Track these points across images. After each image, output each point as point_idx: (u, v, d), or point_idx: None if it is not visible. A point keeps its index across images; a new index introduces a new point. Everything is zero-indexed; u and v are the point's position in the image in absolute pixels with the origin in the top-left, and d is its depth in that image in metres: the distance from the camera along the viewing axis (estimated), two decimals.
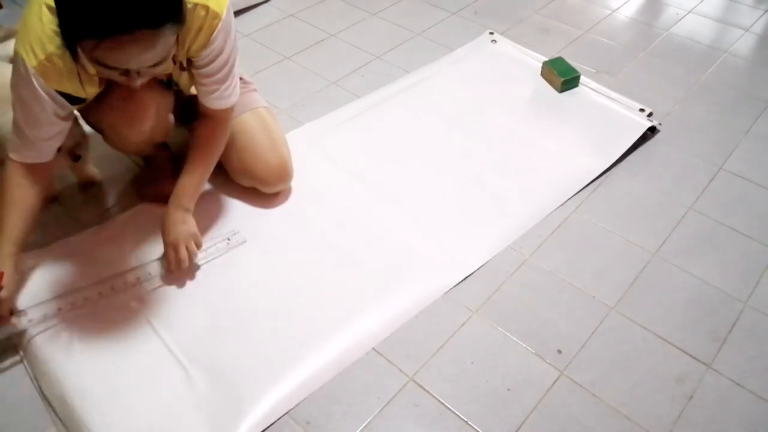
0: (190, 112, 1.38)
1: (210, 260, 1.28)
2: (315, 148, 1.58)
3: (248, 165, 1.38)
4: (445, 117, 1.70)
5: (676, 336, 1.21)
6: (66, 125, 1.13)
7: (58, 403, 1.07)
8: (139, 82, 1.02)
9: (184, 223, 1.23)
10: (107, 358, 1.13)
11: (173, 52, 1.03)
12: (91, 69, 1.04)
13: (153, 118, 1.24)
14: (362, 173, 1.52)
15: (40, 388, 1.10)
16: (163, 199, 1.40)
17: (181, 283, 1.26)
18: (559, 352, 1.18)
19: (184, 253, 1.21)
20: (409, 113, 1.71)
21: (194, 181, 1.25)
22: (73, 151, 1.29)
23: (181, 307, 1.22)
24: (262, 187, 1.40)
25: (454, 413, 1.08)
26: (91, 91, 1.11)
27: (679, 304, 1.27)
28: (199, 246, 1.25)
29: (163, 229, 1.23)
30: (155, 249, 1.31)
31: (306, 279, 1.28)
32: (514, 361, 1.16)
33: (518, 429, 1.06)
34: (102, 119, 1.22)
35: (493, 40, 1.99)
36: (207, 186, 1.46)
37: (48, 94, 1.05)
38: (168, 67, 1.02)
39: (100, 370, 1.11)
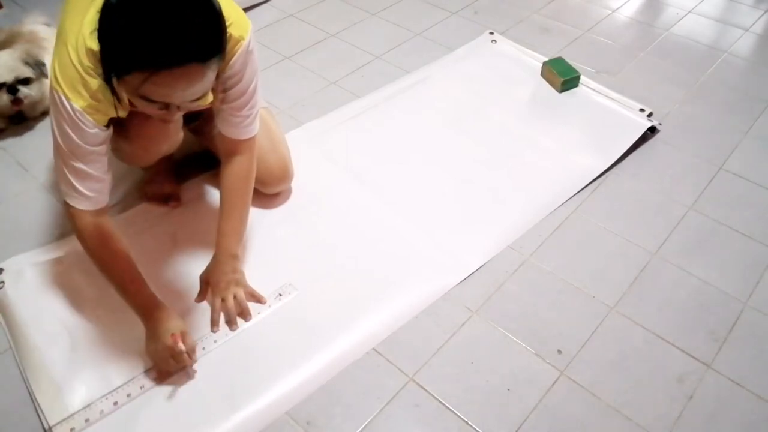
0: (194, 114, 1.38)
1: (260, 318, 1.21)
2: (315, 148, 1.58)
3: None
4: (445, 117, 1.70)
5: (676, 336, 1.21)
6: (105, 151, 1.08)
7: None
8: (177, 116, 0.99)
9: (235, 272, 1.19)
10: (106, 363, 1.13)
11: (213, 85, 0.99)
12: (126, 102, 1.00)
13: (168, 143, 1.24)
14: (362, 173, 1.52)
15: (32, 392, 1.10)
16: (164, 198, 1.41)
17: (180, 282, 1.25)
18: (559, 352, 1.18)
19: (231, 303, 1.16)
20: (409, 113, 1.71)
21: (236, 224, 1.21)
22: None
23: (180, 305, 1.21)
24: (263, 188, 1.39)
25: (454, 413, 1.08)
26: (121, 115, 1.07)
27: (679, 304, 1.27)
28: (260, 299, 1.20)
29: (208, 276, 1.18)
30: (156, 248, 1.32)
31: (306, 279, 1.28)
32: (514, 361, 1.16)
33: (518, 429, 1.06)
34: (118, 141, 1.16)
35: (493, 40, 1.99)
36: (205, 188, 1.46)
37: (95, 128, 1.02)
38: (206, 100, 0.98)
39: (98, 375, 1.11)
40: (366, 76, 1.85)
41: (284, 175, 1.40)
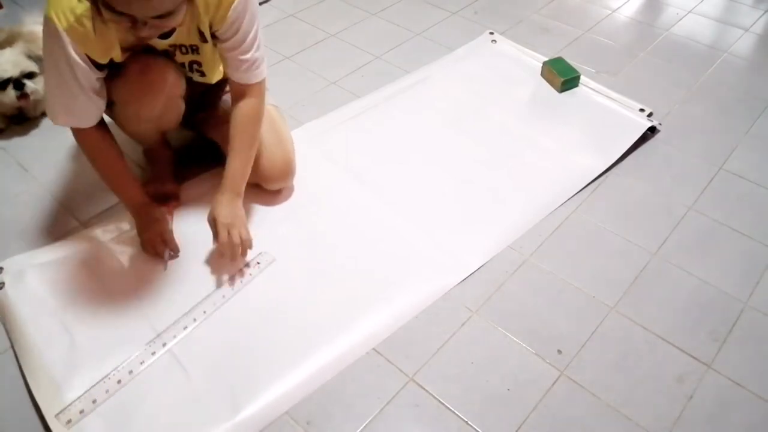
0: (195, 111, 1.38)
1: (242, 288, 1.26)
2: (315, 147, 1.58)
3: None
4: (445, 117, 1.70)
5: (676, 336, 1.21)
6: (99, 100, 1.17)
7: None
8: (145, 32, 1.03)
9: (239, 209, 1.26)
10: (105, 361, 1.13)
11: (183, 10, 1.03)
12: (111, 26, 1.07)
13: (165, 95, 1.24)
14: (362, 173, 1.52)
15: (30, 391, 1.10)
16: (164, 198, 1.41)
17: (180, 282, 1.26)
18: (559, 352, 1.18)
19: (237, 239, 1.22)
20: (409, 113, 1.71)
21: (242, 165, 1.26)
22: None
23: (180, 307, 1.22)
24: (265, 183, 1.40)
25: (454, 413, 1.08)
26: (115, 55, 1.14)
27: (679, 304, 1.27)
28: (250, 245, 1.26)
29: (215, 211, 1.23)
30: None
31: (306, 279, 1.28)
32: (514, 361, 1.16)
33: (518, 429, 1.06)
34: (116, 93, 1.22)
35: (493, 40, 1.99)
36: (206, 188, 1.46)
37: (79, 56, 1.08)
38: (175, 21, 1.04)
39: (98, 373, 1.11)
40: (366, 76, 1.85)
41: (287, 170, 1.40)
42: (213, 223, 1.23)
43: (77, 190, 1.47)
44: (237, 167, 1.26)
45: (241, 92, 1.26)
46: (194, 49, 1.23)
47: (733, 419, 1.09)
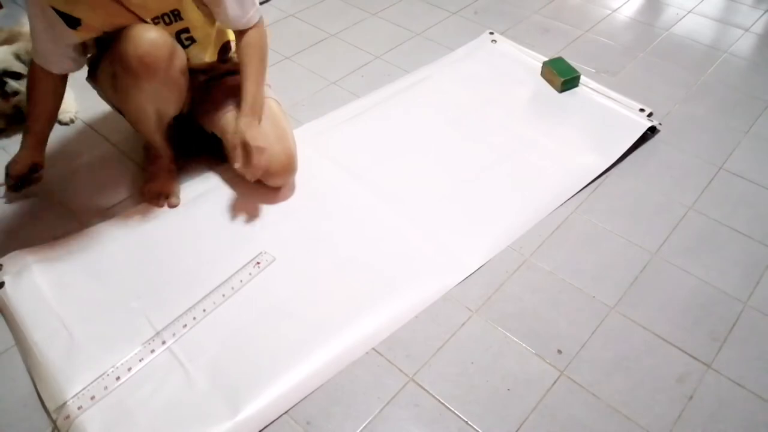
0: (197, 103, 1.39)
1: (243, 287, 1.26)
2: (315, 147, 1.58)
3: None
4: (445, 117, 1.70)
5: (676, 336, 1.21)
6: (74, 54, 1.27)
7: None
8: None
9: (258, 128, 1.32)
10: (104, 359, 1.13)
11: None
12: None
13: (165, 62, 1.23)
14: (362, 173, 1.52)
15: (35, 385, 1.10)
16: (164, 198, 1.41)
17: (180, 280, 1.26)
18: (559, 352, 1.18)
19: (266, 162, 1.31)
20: (409, 113, 1.71)
21: (258, 89, 1.34)
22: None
23: (179, 305, 1.22)
24: (268, 178, 1.39)
25: (454, 413, 1.08)
26: (81, 13, 1.18)
27: (679, 304, 1.27)
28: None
29: (246, 134, 1.29)
30: (155, 248, 1.32)
31: (306, 278, 1.28)
32: (514, 361, 1.16)
33: (518, 429, 1.06)
34: (116, 63, 1.23)
35: (493, 40, 1.99)
36: (206, 187, 1.46)
37: (46, 10, 1.16)
38: None
39: (97, 370, 1.11)
40: (366, 76, 1.85)
41: (288, 166, 1.40)
42: (243, 145, 1.30)
43: (77, 190, 1.47)
44: (254, 92, 1.33)
45: (241, 33, 1.33)
46: (176, 15, 1.25)
47: (733, 419, 1.09)
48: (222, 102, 1.43)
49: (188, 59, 1.32)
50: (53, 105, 1.36)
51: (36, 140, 1.38)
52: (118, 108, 1.42)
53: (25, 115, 1.39)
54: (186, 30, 1.28)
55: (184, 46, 1.30)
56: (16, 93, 1.56)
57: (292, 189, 1.46)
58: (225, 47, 1.41)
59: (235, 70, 1.41)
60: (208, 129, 1.48)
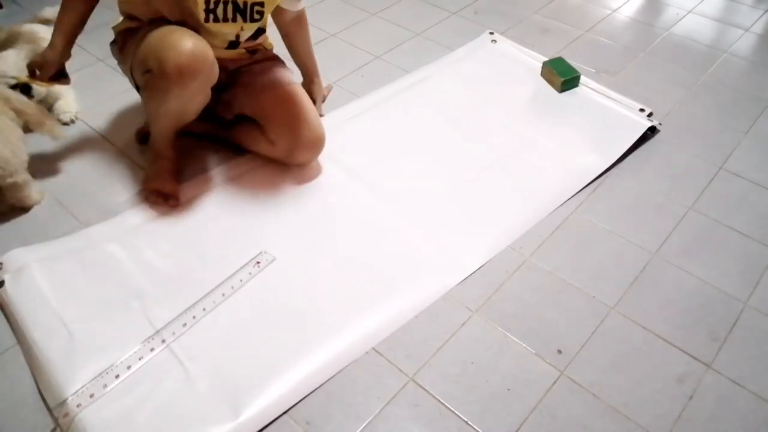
0: (218, 93, 1.44)
1: (243, 286, 1.26)
2: None
3: (293, 122, 1.42)
4: (445, 117, 1.70)
5: (676, 336, 1.21)
6: None
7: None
8: None
9: (321, 85, 1.69)
10: (104, 357, 1.13)
11: None
12: None
13: (203, 75, 1.25)
14: (362, 173, 1.52)
15: (38, 387, 1.10)
16: (164, 198, 1.41)
17: (180, 279, 1.26)
18: (559, 352, 1.18)
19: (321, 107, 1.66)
20: (409, 113, 1.71)
21: (308, 58, 1.67)
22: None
23: (179, 304, 1.22)
24: (297, 149, 1.44)
25: (454, 413, 1.08)
26: None
27: (679, 304, 1.27)
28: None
29: (316, 93, 1.67)
30: (154, 248, 1.32)
31: (306, 278, 1.28)
32: (514, 361, 1.16)
33: (518, 429, 1.06)
34: (152, 62, 1.23)
35: (493, 40, 1.99)
36: (206, 187, 1.46)
37: None
38: None
39: (96, 368, 1.11)
40: (366, 76, 1.85)
41: (319, 141, 1.46)
42: (316, 99, 1.64)
43: (77, 189, 1.47)
44: (303, 62, 1.67)
45: (290, 22, 1.54)
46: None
47: (733, 419, 1.09)
48: (263, 85, 1.46)
49: (238, 38, 1.38)
50: (85, 7, 1.37)
51: (65, 41, 1.39)
52: (137, 87, 1.41)
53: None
54: (261, 4, 1.31)
55: (253, 20, 1.33)
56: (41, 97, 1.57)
57: (292, 189, 1.46)
58: (260, 30, 1.45)
59: (261, 60, 1.50)
60: (228, 116, 1.51)
